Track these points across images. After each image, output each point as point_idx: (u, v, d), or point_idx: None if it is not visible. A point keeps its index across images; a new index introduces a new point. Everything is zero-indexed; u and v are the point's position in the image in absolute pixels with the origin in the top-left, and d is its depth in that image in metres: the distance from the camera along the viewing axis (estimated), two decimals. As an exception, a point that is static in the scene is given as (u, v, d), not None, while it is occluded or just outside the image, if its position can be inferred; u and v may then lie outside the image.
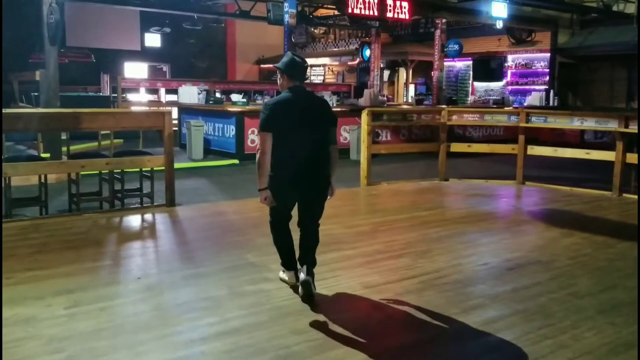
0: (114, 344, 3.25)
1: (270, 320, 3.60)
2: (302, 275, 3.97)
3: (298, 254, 4.11)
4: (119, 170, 6.72)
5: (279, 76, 4.00)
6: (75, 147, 7.83)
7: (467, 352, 3.26)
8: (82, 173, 6.56)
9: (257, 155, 3.86)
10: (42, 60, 12.95)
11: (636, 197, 7.48)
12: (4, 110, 6.27)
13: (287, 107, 3.88)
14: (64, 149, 7.89)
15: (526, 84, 18.53)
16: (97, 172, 6.81)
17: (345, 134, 12.15)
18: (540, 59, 18.18)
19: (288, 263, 4.16)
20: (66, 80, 15.34)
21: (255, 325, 3.53)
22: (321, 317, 3.65)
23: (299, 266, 4.07)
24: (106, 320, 3.57)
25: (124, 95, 15.60)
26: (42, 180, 6.34)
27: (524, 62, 18.65)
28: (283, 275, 4.24)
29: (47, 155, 8.72)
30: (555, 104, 16.52)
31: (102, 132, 7.17)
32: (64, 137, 8.66)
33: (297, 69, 3.95)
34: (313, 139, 3.90)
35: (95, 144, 8.21)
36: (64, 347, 3.19)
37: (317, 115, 3.98)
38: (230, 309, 3.74)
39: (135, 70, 19.89)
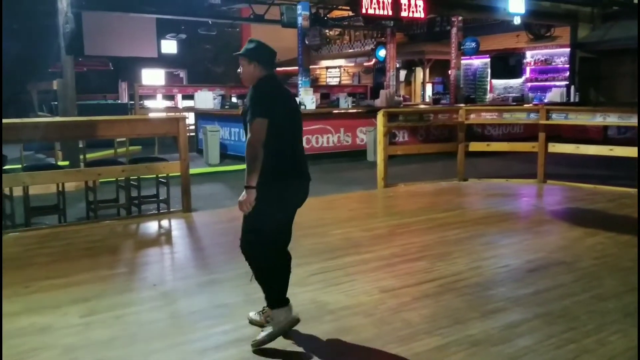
0: (127, 353, 3.23)
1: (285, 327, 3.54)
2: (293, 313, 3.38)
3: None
4: (136, 177, 6.73)
5: (244, 66, 3.36)
6: (92, 155, 7.89)
7: (489, 356, 3.15)
8: (99, 180, 6.59)
9: (251, 147, 3.14)
10: (60, 70, 13.11)
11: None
12: (22, 120, 6.32)
13: (279, 94, 3.37)
14: (81, 157, 7.94)
15: (546, 80, 18.23)
16: (114, 179, 6.83)
17: (361, 135, 12.06)
18: (560, 55, 17.87)
19: (284, 295, 3.39)
20: (85, 88, 15.51)
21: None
22: (337, 323, 3.58)
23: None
24: (120, 328, 3.55)
25: (142, 102, 15.71)
26: (60, 188, 6.37)
27: (543, 58, 18.35)
28: (279, 315, 3.30)
29: (66, 163, 8.79)
30: (577, 100, 16.22)
31: (118, 139, 7.18)
32: (81, 145, 8.73)
33: (268, 54, 3.39)
34: (300, 135, 3.46)
35: (109, 151, 8.25)
36: (78, 357, 3.18)
37: (298, 107, 3.54)
38: (245, 316, 3.68)
39: (152, 76, 20.04)
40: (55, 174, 6.32)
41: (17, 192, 6.21)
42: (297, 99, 12.28)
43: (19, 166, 6.45)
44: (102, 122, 6.34)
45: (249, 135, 3.17)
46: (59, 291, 4.18)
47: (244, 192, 3.14)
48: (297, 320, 3.38)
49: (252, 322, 3.52)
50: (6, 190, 6.06)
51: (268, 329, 3.30)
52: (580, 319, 3.62)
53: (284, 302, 3.34)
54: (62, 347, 3.31)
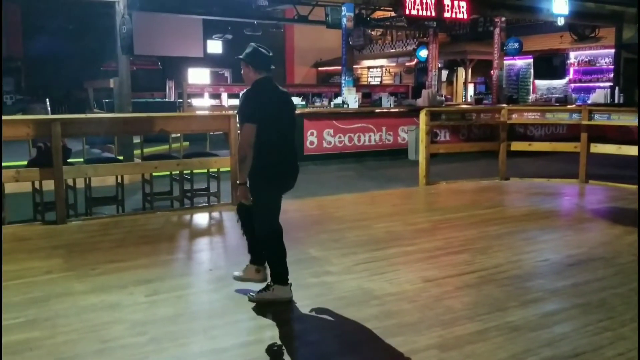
0: (190, 328, 3.54)
1: (334, 309, 3.80)
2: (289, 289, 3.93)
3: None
4: (189, 171, 7.09)
5: (243, 69, 3.92)
6: (147, 150, 8.27)
7: (527, 341, 3.33)
8: (154, 174, 6.96)
9: (241, 149, 3.74)
10: (112, 69, 13.68)
11: None
12: (86, 116, 6.75)
13: (270, 98, 3.84)
14: (137, 151, 8.37)
15: (590, 81, 18.00)
16: (168, 172, 7.21)
17: (403, 134, 12.22)
18: (604, 56, 17.62)
19: (286, 276, 3.94)
20: (134, 86, 16.11)
21: (319, 314, 3.73)
22: (382, 308, 3.82)
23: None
24: (183, 307, 3.87)
25: (189, 100, 16.22)
26: (119, 180, 6.78)
27: (587, 59, 18.12)
28: (280, 292, 3.87)
29: (121, 157, 9.24)
30: (621, 101, 15.97)
31: (173, 135, 7.56)
32: (136, 140, 9.18)
33: (261, 59, 3.86)
34: (291, 132, 3.96)
35: (162, 146, 8.67)
36: (146, 330, 3.50)
37: (291, 108, 4.00)
38: (295, 298, 3.95)
39: (198, 76, 20.60)
40: (116, 166, 6.74)
41: (79, 183, 6.66)
42: (341, 98, 12.53)
43: (81, 159, 6.89)
44: (160, 119, 6.72)
45: (240, 137, 3.76)
46: (124, 273, 4.53)
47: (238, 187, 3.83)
48: (289, 299, 3.89)
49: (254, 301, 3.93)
50: (70, 181, 6.50)
51: (265, 294, 3.88)
52: (617, 309, 3.76)
53: (285, 282, 3.89)
54: (130, 321, 3.64)
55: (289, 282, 3.93)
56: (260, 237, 3.95)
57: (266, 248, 3.93)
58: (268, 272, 3.98)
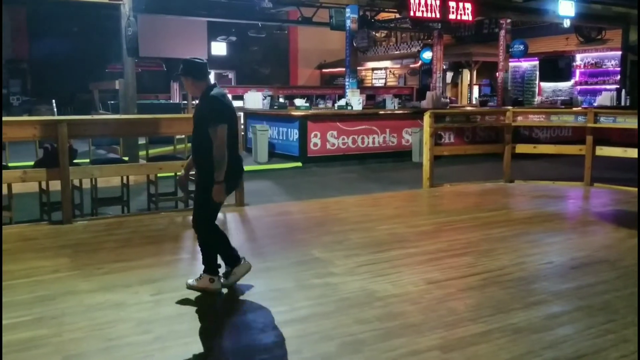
0: (195, 327, 3.57)
1: (336, 310, 3.82)
2: (246, 262, 4.29)
3: (229, 251, 4.28)
4: (193, 172, 7.11)
5: (184, 82, 4.09)
6: (151, 151, 8.31)
7: (530, 343, 3.34)
8: (158, 175, 7.00)
9: (220, 149, 3.86)
10: (117, 70, 13.75)
11: None
12: (93, 117, 6.79)
13: (225, 101, 4.01)
14: (142, 152, 8.43)
15: (596, 83, 17.99)
16: (173, 173, 7.24)
17: (407, 136, 12.24)
18: (610, 58, 17.61)
19: (216, 267, 4.17)
20: (139, 88, 16.18)
21: (322, 314, 3.75)
22: (385, 309, 3.83)
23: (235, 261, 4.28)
24: (187, 306, 3.90)
25: (194, 102, 16.27)
26: (124, 181, 6.82)
27: (593, 61, 18.11)
28: (216, 284, 4.09)
29: (127, 158, 9.29)
30: (627, 104, 15.95)
31: (178, 136, 7.60)
32: (141, 141, 9.23)
33: (198, 68, 4.03)
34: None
35: (167, 148, 8.73)
36: (151, 329, 3.53)
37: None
38: (298, 299, 3.98)
39: (202, 77, 20.67)
40: (121, 167, 6.79)
41: (85, 184, 6.71)
42: (345, 100, 12.56)
43: (87, 160, 6.93)
44: (165, 120, 6.77)
45: (216, 140, 3.86)
46: (129, 273, 4.56)
47: (214, 186, 3.90)
48: (219, 289, 4.10)
49: (189, 288, 4.12)
50: (76, 182, 6.55)
51: (198, 282, 4.09)
52: (620, 312, 3.77)
53: (216, 272, 4.12)
54: (136, 320, 3.67)
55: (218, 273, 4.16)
56: (203, 233, 4.13)
57: (207, 243, 4.14)
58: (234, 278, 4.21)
